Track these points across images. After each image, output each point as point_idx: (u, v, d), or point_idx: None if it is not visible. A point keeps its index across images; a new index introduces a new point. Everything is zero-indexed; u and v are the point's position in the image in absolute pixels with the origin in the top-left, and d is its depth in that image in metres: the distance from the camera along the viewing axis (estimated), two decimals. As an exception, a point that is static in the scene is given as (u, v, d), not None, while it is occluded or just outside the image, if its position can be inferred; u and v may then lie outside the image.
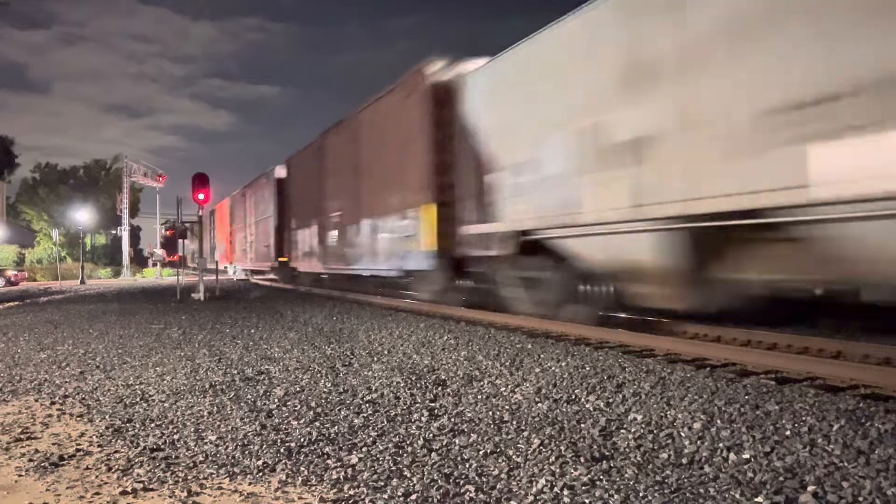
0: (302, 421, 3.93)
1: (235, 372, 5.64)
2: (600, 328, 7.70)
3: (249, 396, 4.66)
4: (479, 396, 4.45)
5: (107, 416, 4.20)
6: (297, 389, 4.84)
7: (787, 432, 3.41)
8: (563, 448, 3.25)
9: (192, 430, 3.82)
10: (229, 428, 3.84)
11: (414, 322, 9.27)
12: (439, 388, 4.73)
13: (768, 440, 3.28)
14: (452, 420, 3.85)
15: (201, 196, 16.56)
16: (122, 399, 4.71)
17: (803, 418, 3.65)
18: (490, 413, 3.99)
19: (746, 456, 3.07)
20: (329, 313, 11.23)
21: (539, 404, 4.18)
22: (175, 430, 3.82)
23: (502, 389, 4.64)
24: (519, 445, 3.33)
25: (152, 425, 3.95)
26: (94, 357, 6.77)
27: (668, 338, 6.78)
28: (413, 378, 5.12)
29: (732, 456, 3.09)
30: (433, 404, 4.26)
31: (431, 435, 3.56)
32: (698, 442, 3.31)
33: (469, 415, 3.97)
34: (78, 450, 3.51)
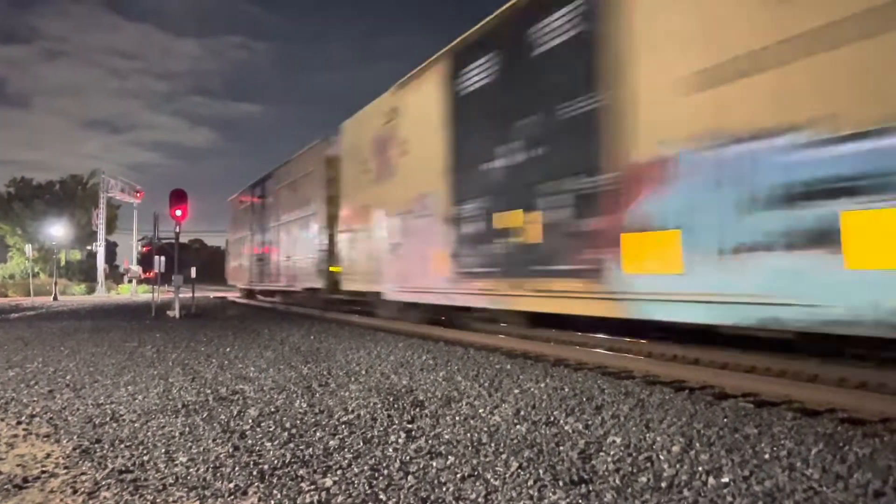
0: (276, 442, 3.85)
1: (209, 391, 5.53)
2: (579, 349, 7.69)
3: (223, 417, 4.57)
4: (458, 418, 4.39)
5: (75, 437, 4.09)
6: (272, 410, 4.75)
7: (766, 456, 3.40)
8: (541, 471, 3.21)
9: (163, 451, 3.73)
10: (201, 449, 3.75)
11: (392, 342, 9.19)
12: (417, 410, 4.67)
13: (747, 464, 3.27)
14: (430, 442, 3.79)
15: (179, 213, 16.38)
16: (91, 419, 4.59)
17: (782, 442, 3.65)
18: (468, 435, 3.94)
19: (726, 480, 3.05)
20: (307, 332, 11.12)
21: (518, 426, 4.13)
22: (145, 451, 3.72)
23: (481, 411, 4.59)
24: (497, 468, 3.28)
25: (122, 446, 3.84)
26: (64, 375, 6.62)
27: (646, 359, 6.77)
28: (390, 399, 5.05)
29: (712, 480, 3.06)
30: (410, 426, 4.20)
31: (408, 457, 3.50)
32: (677, 465, 3.28)
33: (447, 437, 3.91)
34: (43, 471, 3.40)
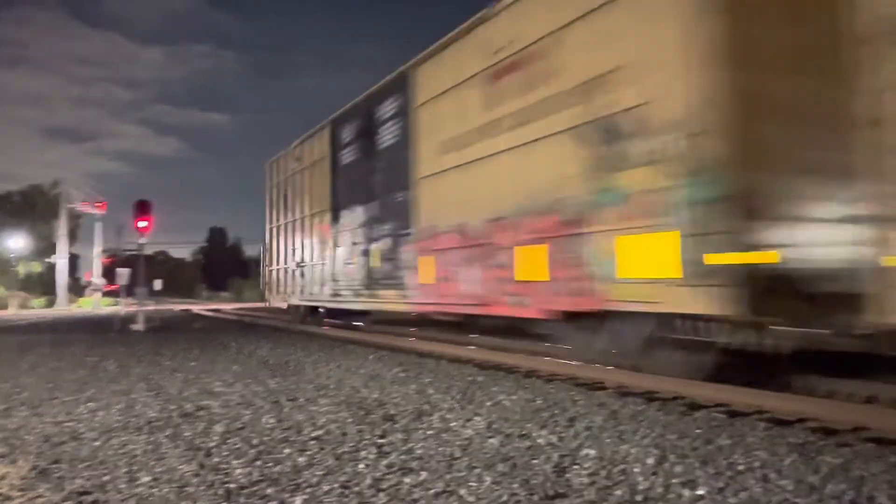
0: (243, 460, 3.74)
1: (174, 407, 5.39)
2: (550, 360, 7.66)
3: (188, 434, 4.44)
4: (430, 432, 4.32)
5: (31, 457, 3.92)
6: (239, 426, 4.63)
7: (741, 467, 3.39)
8: (516, 486, 3.16)
9: (125, 470, 3.59)
10: (165, 468, 3.62)
11: (363, 354, 9.09)
12: (388, 424, 4.59)
13: (722, 475, 3.25)
14: (402, 457, 3.72)
15: (143, 224, 16.08)
16: (49, 438, 4.42)
17: (755, 452, 3.64)
18: (441, 449, 3.87)
19: (701, 492, 3.03)
20: (275, 345, 10.95)
21: (491, 440, 4.08)
22: (106, 471, 3.58)
23: (453, 424, 4.53)
24: (471, 484, 3.22)
25: (81, 466, 3.70)
26: (21, 392, 6.40)
27: (617, 370, 6.76)
28: (361, 413, 4.96)
29: (687, 492, 3.03)
30: (382, 441, 4.12)
31: (380, 474, 3.42)
32: (652, 478, 3.25)
33: (419, 451, 3.84)
34: (-3, 494, 3.26)
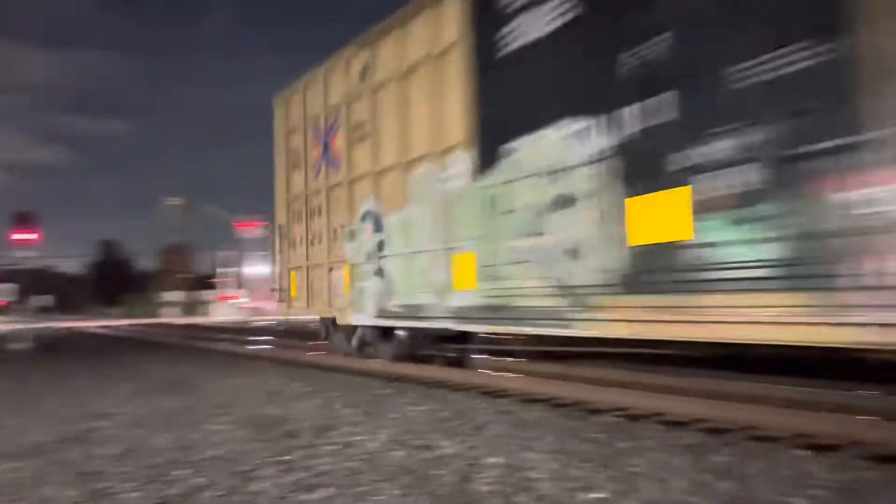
0: (135, 483, 3.54)
1: (61, 430, 5.06)
2: (457, 370, 7.70)
3: (76, 457, 4.17)
4: (334, 447, 4.24)
5: None
6: (132, 447, 4.40)
7: (639, 469, 3.49)
8: (422, 497, 3.13)
9: (3, 500, 3.34)
10: (48, 496, 3.39)
11: (264, 369, 8.86)
12: (292, 440, 4.47)
13: (622, 478, 3.34)
14: (304, 474, 3.62)
15: (24, 236, 15.12)
16: (-85, 468, 4.06)
17: (653, 454, 3.77)
18: (346, 464, 3.80)
19: (603, 495, 3.10)
20: (172, 362, 10.52)
21: (397, 451, 4.04)
22: (-19, 503, 3.32)
23: (358, 438, 4.46)
24: (375, 497, 3.17)
25: (-48, 498, 3.42)
26: None
27: (522, 378, 6.87)
28: (262, 430, 4.81)
29: (588, 496, 3.10)
30: (285, 458, 4.00)
31: (284, 492, 3.32)
32: (555, 483, 3.30)
33: (325, 467, 3.75)
34: None
